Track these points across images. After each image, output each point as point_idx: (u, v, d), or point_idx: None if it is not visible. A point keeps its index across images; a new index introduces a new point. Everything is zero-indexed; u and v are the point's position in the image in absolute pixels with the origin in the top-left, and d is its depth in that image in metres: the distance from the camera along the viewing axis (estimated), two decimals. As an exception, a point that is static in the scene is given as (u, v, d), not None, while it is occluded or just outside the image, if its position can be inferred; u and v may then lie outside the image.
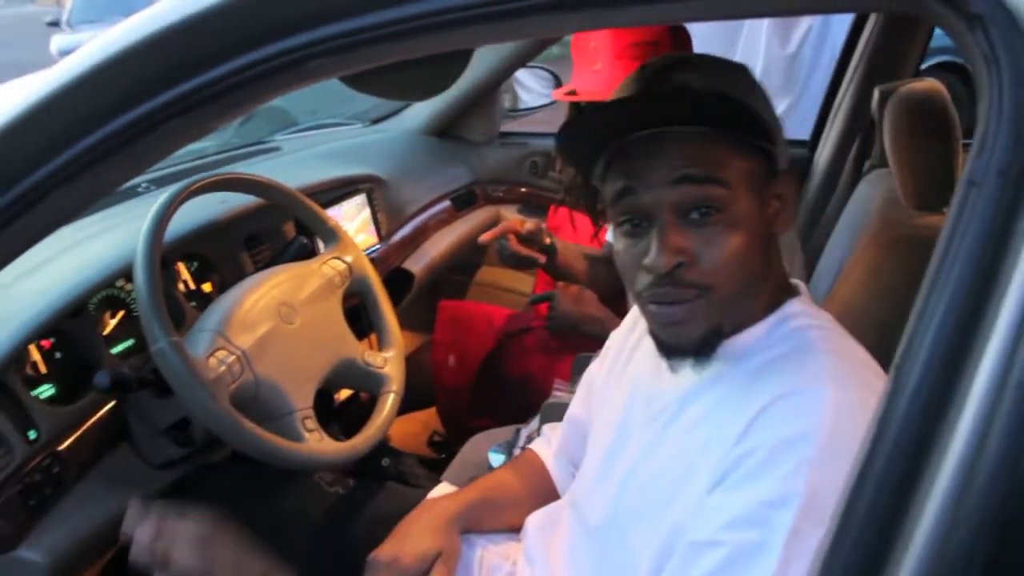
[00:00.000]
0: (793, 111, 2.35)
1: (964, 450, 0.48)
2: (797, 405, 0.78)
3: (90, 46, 0.76)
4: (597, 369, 1.17)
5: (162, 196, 1.19)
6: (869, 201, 1.61)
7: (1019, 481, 0.47)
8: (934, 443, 0.50)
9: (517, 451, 1.49)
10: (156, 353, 1.08)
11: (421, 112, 2.36)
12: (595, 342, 1.44)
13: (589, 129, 0.86)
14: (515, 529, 1.14)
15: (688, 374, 0.89)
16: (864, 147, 1.92)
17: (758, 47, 2.29)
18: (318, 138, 2.31)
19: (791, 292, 0.91)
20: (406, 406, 1.68)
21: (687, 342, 0.85)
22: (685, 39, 1.66)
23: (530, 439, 1.40)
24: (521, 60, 2.22)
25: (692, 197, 0.81)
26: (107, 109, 0.74)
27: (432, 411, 2.12)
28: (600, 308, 1.79)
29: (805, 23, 2.25)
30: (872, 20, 1.96)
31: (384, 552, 1.03)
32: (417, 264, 2.02)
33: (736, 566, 0.76)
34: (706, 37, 2.36)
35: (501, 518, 1.15)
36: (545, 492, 1.19)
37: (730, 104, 0.80)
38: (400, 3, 0.66)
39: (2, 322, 1.15)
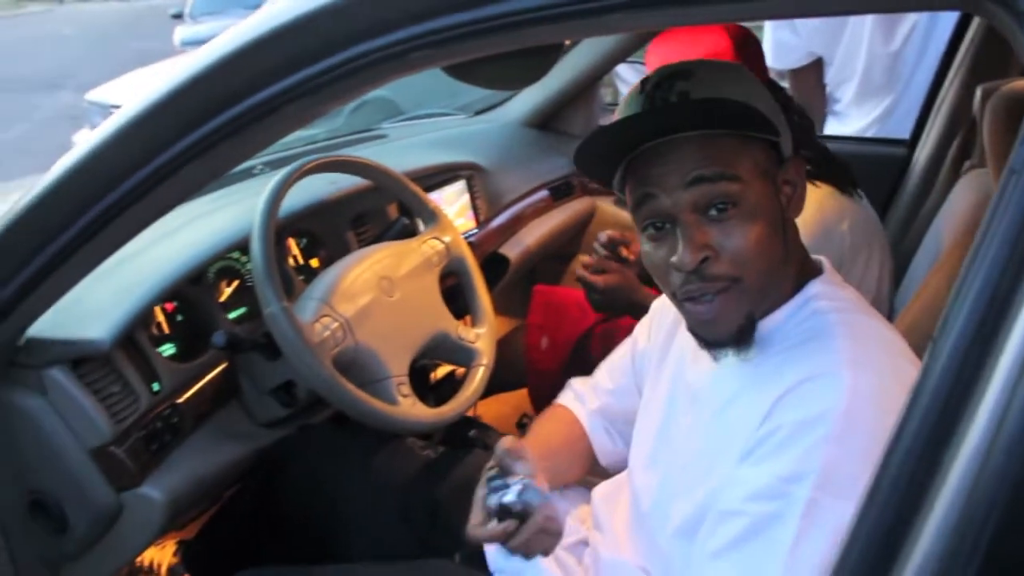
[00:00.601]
0: (894, 109, 2.31)
1: (990, 417, 0.52)
2: (815, 389, 0.83)
3: (222, 38, 0.86)
4: (644, 331, 1.22)
5: (278, 174, 1.30)
6: (965, 201, 1.60)
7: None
8: (964, 410, 0.54)
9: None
10: (268, 316, 1.19)
11: (523, 104, 2.44)
12: None
13: (601, 146, 0.91)
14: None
15: (719, 362, 0.94)
16: (964, 147, 1.90)
17: (861, 44, 2.28)
18: (423, 127, 2.41)
19: (814, 271, 0.95)
20: (497, 387, 1.76)
21: (726, 336, 0.90)
22: (757, 53, 1.59)
23: None
24: (621, 55, 2.26)
25: (708, 195, 0.86)
26: (238, 92, 0.84)
27: (522, 393, 2.19)
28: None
29: (909, 20, 2.22)
30: (977, 18, 1.93)
31: None
32: (513, 250, 2.09)
33: (757, 534, 0.82)
34: (809, 35, 2.36)
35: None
36: (582, 452, 1.25)
37: (730, 106, 0.86)
38: (496, 1, 0.74)
39: (133, 286, 1.27)
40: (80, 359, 1.18)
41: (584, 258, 1.74)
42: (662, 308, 1.18)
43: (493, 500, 0.98)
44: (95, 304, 1.21)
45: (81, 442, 1.17)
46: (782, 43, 2.39)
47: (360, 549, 1.28)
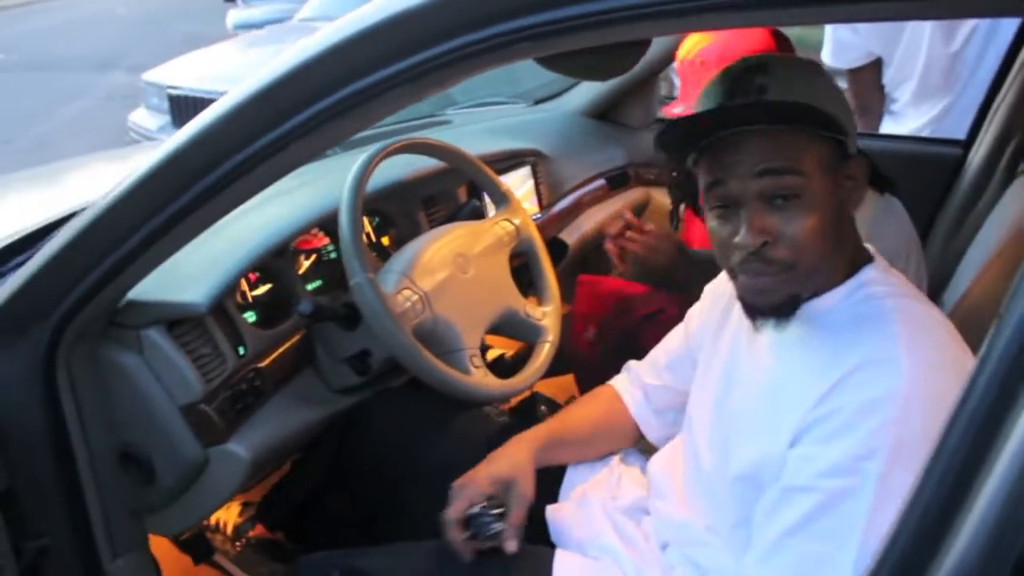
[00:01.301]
0: (951, 110, 2.33)
1: None
2: (875, 374, 0.89)
3: (332, 27, 0.93)
4: (697, 311, 1.30)
5: (363, 155, 1.37)
6: (1019, 203, 1.63)
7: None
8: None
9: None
10: (355, 286, 1.27)
11: (582, 95, 2.49)
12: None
13: (681, 135, 0.99)
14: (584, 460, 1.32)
15: (774, 336, 1.02)
16: (1020, 149, 1.92)
17: (921, 45, 2.29)
18: (485, 114, 2.48)
19: (866, 258, 1.01)
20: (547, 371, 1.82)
21: (769, 306, 0.98)
22: (788, 47, 1.70)
23: None
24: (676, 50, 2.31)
25: (773, 186, 0.94)
26: (347, 76, 0.91)
27: (568, 378, 2.25)
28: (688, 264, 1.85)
29: (970, 22, 2.24)
30: (1040, 23, 1.95)
31: (466, 474, 1.20)
32: (572, 236, 2.16)
33: (831, 509, 0.87)
34: (868, 34, 2.38)
35: (568, 454, 1.31)
36: (623, 430, 1.34)
37: (800, 106, 0.92)
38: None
39: (224, 255, 1.35)
40: (176, 321, 1.26)
41: (610, 230, 1.80)
42: (715, 289, 1.26)
43: (475, 525, 1.14)
44: (190, 271, 1.28)
45: (173, 398, 1.25)
46: (842, 42, 2.42)
47: (429, 509, 1.36)
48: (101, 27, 15.73)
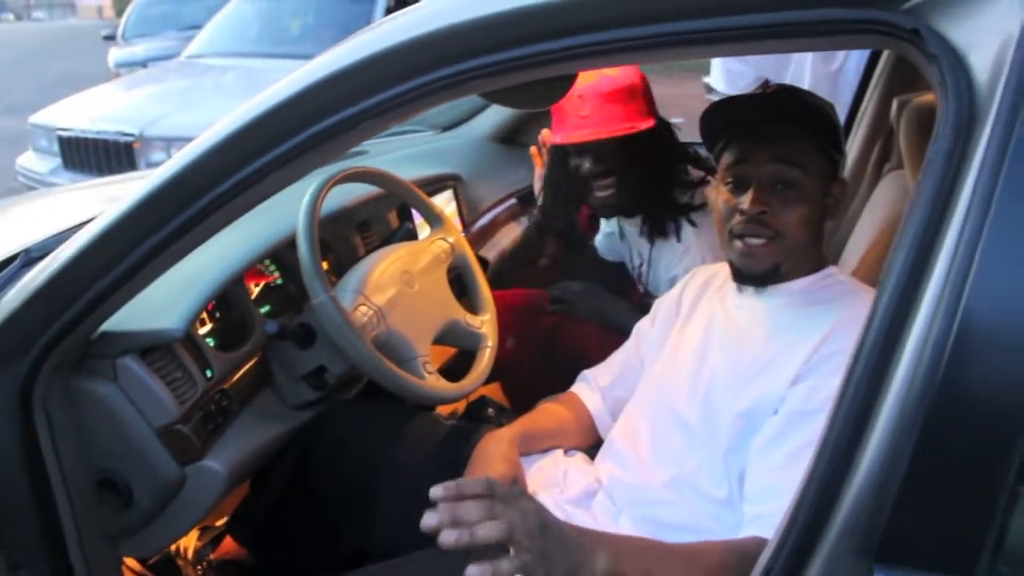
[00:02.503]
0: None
1: (923, 330, 0.74)
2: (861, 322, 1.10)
3: (308, 68, 1.05)
4: (648, 325, 1.51)
5: (312, 185, 1.49)
6: (887, 196, 1.87)
7: (952, 348, 0.73)
8: (905, 328, 0.76)
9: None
10: (318, 305, 1.38)
11: (488, 121, 2.66)
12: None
13: (724, 116, 1.28)
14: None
15: (760, 306, 1.26)
16: (884, 151, 2.16)
17: (805, 66, 2.55)
18: (398, 143, 2.61)
19: (826, 262, 1.29)
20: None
21: (757, 272, 1.24)
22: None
23: None
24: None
25: (780, 174, 1.20)
26: (324, 110, 1.03)
27: (494, 387, 2.39)
28: (614, 302, 2.11)
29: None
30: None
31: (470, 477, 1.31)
32: (491, 252, 2.31)
33: None
34: (758, 62, 2.61)
35: (544, 443, 1.47)
36: (581, 427, 1.51)
37: (822, 116, 1.21)
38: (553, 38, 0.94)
39: (188, 285, 1.42)
40: (148, 348, 1.34)
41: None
42: (670, 298, 1.49)
43: None
44: (157, 301, 1.35)
45: (150, 421, 1.32)
46: (732, 71, 2.66)
47: (388, 510, 1.47)
48: (-34, 70, 15.10)
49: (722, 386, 1.25)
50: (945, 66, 0.78)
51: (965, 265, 0.72)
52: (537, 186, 2.12)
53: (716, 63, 2.64)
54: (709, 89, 7.79)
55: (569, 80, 1.13)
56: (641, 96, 1.84)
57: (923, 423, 0.73)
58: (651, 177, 1.84)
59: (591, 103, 1.80)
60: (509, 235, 2.44)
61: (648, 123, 1.80)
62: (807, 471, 0.81)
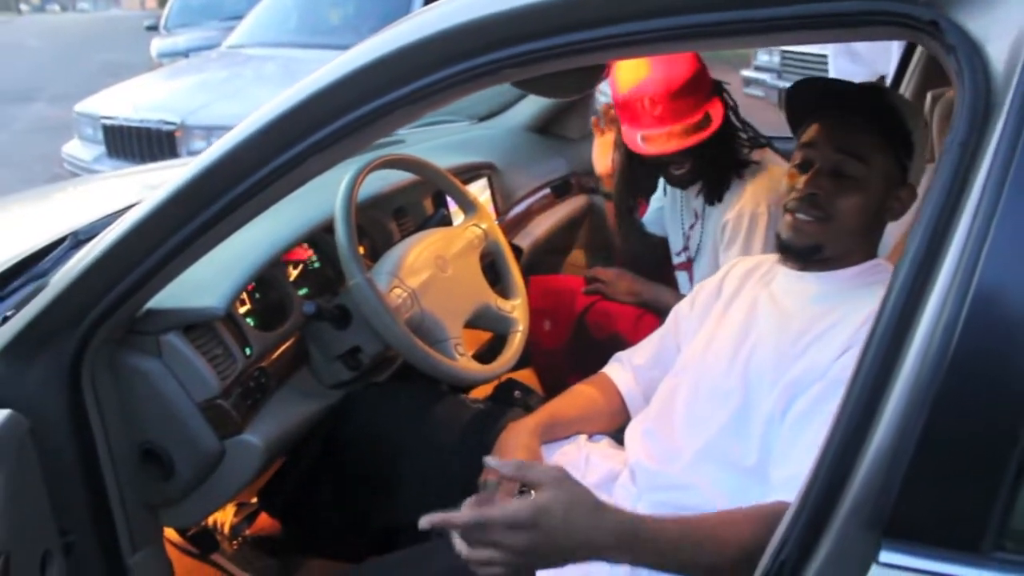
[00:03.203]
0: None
1: (935, 314, 0.76)
2: None
3: (344, 58, 1.09)
4: (687, 309, 1.52)
5: (349, 171, 1.53)
6: (921, 190, 1.87)
7: (961, 331, 0.75)
8: (917, 311, 0.78)
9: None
10: (354, 286, 1.43)
11: (524, 111, 2.69)
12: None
13: (807, 95, 1.35)
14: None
15: (808, 291, 1.30)
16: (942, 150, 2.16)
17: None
18: (435, 132, 2.66)
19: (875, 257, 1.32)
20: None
21: (800, 245, 1.29)
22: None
23: None
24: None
25: (840, 163, 1.26)
26: (358, 100, 1.07)
27: (527, 372, 2.44)
28: (646, 283, 2.19)
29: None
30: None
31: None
32: (524, 240, 2.34)
33: None
34: (873, 58, 2.62)
35: (570, 429, 1.49)
36: (611, 409, 1.53)
37: (898, 119, 1.27)
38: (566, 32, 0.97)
39: (229, 267, 1.48)
40: (191, 325, 1.40)
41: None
42: (709, 284, 1.52)
43: None
44: (200, 281, 1.41)
45: (192, 396, 1.37)
46: (843, 71, 2.67)
47: (413, 488, 1.52)
48: (14, 59, 15.40)
49: (765, 358, 1.28)
50: (962, 57, 0.80)
51: (976, 253, 0.74)
52: (599, 156, 2.21)
53: (831, 63, 2.66)
54: (747, 82, 7.78)
55: (600, 70, 1.17)
56: (703, 81, 1.90)
57: (933, 402, 0.75)
58: (721, 149, 1.94)
59: (662, 102, 1.85)
60: (543, 223, 2.48)
61: (719, 111, 1.90)
62: (822, 447, 0.83)
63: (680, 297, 1.80)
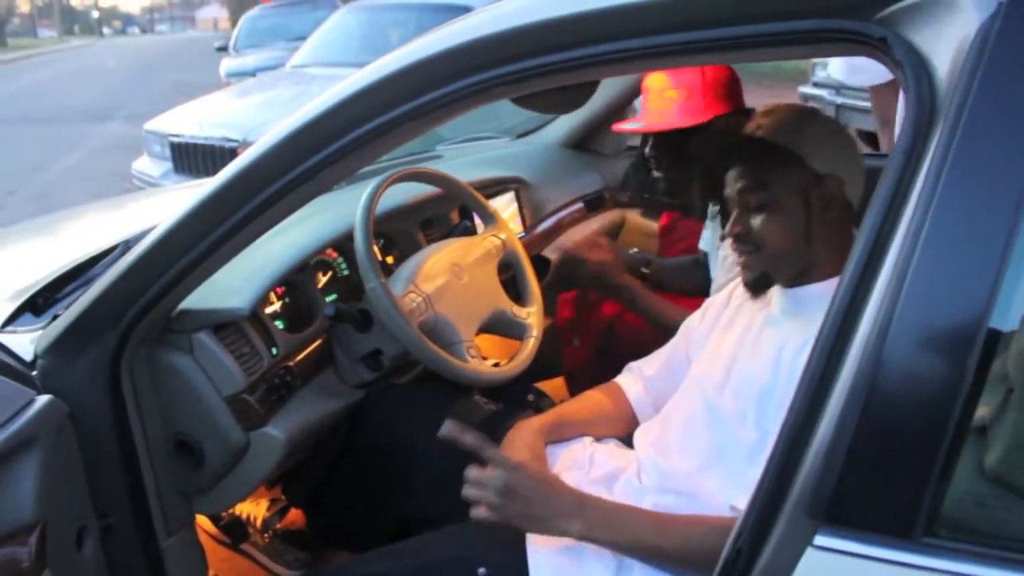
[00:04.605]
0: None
1: (872, 317, 0.81)
2: None
3: (359, 75, 1.17)
4: (697, 321, 1.57)
5: (371, 183, 1.63)
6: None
7: (892, 332, 0.80)
8: (858, 316, 0.83)
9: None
10: (370, 290, 1.52)
11: (560, 128, 2.77)
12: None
13: (700, 151, 1.46)
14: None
15: (780, 317, 1.34)
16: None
17: None
18: (472, 148, 2.75)
19: None
20: (536, 377, 2.07)
21: (750, 279, 1.34)
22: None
23: None
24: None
25: (746, 199, 1.31)
26: (366, 115, 1.16)
27: (558, 381, 2.50)
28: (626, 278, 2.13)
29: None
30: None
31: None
32: (554, 253, 2.40)
33: None
34: None
35: (577, 430, 1.54)
36: (619, 415, 1.58)
37: (770, 149, 1.32)
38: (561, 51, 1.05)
39: (255, 272, 1.59)
40: (221, 325, 1.50)
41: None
42: (717, 300, 1.56)
43: None
44: (229, 285, 1.52)
45: (220, 390, 1.48)
46: (856, 66, 2.65)
47: (426, 482, 1.60)
48: (93, 80, 16.07)
49: (752, 373, 1.32)
50: (909, 70, 0.85)
51: (908, 257, 0.79)
52: None
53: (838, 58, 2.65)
54: (805, 99, 7.73)
55: (591, 86, 1.23)
56: (726, 90, 1.97)
57: (867, 398, 0.80)
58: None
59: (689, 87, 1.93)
60: (574, 236, 2.54)
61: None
62: (774, 442, 0.89)
63: (675, 311, 1.86)
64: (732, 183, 1.35)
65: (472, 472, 1.26)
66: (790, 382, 1.22)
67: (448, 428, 1.29)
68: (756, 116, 1.40)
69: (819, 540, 0.81)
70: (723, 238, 1.36)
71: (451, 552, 1.32)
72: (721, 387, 1.36)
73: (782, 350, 1.29)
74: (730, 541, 0.91)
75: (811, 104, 7.60)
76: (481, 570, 1.28)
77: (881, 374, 0.80)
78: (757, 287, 1.35)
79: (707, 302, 1.61)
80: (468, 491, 1.25)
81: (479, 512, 1.24)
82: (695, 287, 2.18)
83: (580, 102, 1.23)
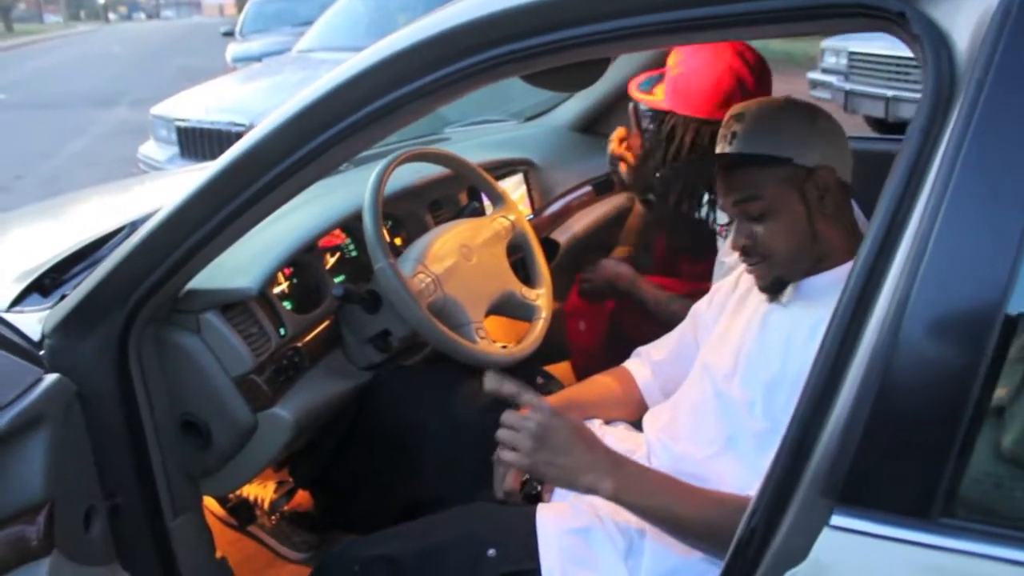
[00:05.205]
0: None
1: (889, 296, 0.80)
2: None
3: (365, 53, 1.17)
4: (705, 306, 1.56)
5: (380, 163, 1.62)
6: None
7: (910, 311, 0.79)
8: (875, 296, 0.82)
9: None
10: (379, 270, 1.51)
11: (568, 111, 2.75)
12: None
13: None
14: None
15: (789, 304, 1.32)
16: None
17: None
18: (481, 131, 2.74)
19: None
20: (545, 360, 2.06)
21: (766, 286, 1.32)
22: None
23: None
24: (650, 68, 2.55)
25: (743, 210, 1.29)
26: (371, 95, 1.14)
27: (565, 365, 2.49)
28: (626, 267, 2.16)
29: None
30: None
31: None
32: (562, 235, 2.40)
33: None
34: None
35: (586, 412, 1.54)
36: (627, 399, 1.58)
37: (744, 155, 1.27)
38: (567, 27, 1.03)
39: (263, 252, 1.58)
40: (228, 305, 1.50)
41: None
42: (723, 287, 1.54)
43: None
44: (237, 265, 1.51)
45: (228, 371, 1.47)
46: None
47: (434, 465, 1.59)
48: (99, 65, 16.05)
49: (759, 362, 1.31)
50: (928, 46, 0.83)
51: (926, 237, 0.78)
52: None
53: None
54: (814, 85, 7.69)
55: (602, 64, 1.22)
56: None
57: (884, 376, 0.79)
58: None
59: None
60: (583, 220, 2.53)
61: None
62: (788, 423, 0.88)
63: (677, 302, 1.85)
64: (724, 195, 1.32)
65: (508, 415, 1.25)
66: (801, 371, 1.19)
67: (490, 380, 1.30)
68: (727, 121, 1.34)
69: (836, 520, 0.80)
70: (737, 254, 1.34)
71: (460, 533, 1.31)
72: (730, 375, 1.35)
73: (791, 337, 1.28)
74: (744, 520, 0.91)
75: (820, 91, 7.58)
76: (491, 551, 1.27)
77: (898, 355, 0.78)
78: (774, 290, 1.33)
79: (715, 287, 1.60)
80: (502, 433, 1.24)
81: (507, 455, 1.23)
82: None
83: (592, 80, 1.22)
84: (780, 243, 1.28)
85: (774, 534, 0.87)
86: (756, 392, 1.29)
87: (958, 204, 0.77)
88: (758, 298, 1.41)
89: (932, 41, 0.83)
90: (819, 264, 1.30)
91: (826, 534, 0.81)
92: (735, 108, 1.35)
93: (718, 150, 1.35)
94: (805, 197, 1.27)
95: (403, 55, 1.12)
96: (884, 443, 0.80)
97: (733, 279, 1.54)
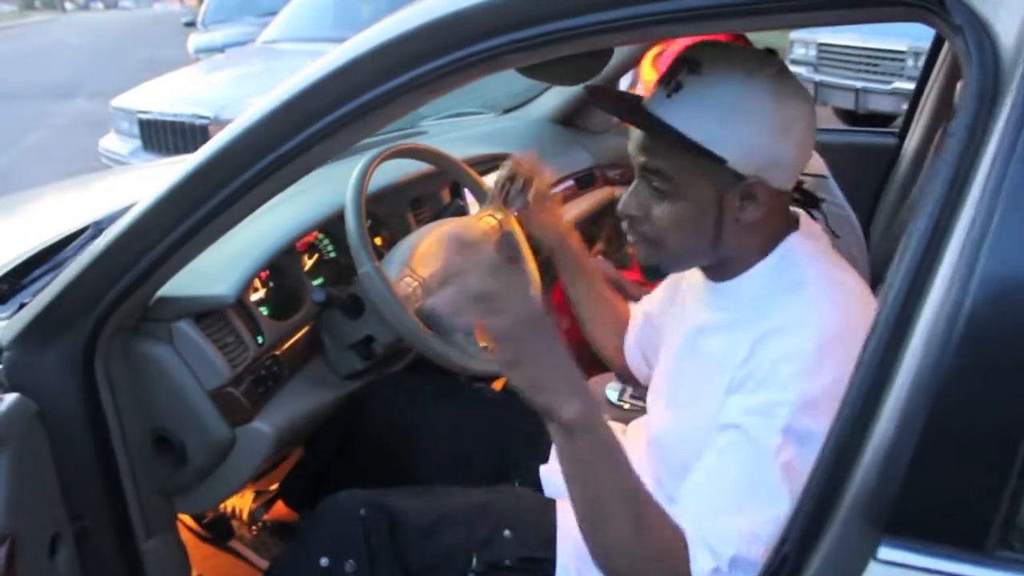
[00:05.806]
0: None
1: (936, 305, 0.74)
2: (790, 335, 1.01)
3: (350, 44, 1.08)
4: (657, 306, 1.43)
5: (361, 161, 1.53)
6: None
7: (964, 323, 0.72)
8: (919, 304, 0.76)
9: (628, 390, 1.82)
10: (363, 274, 1.43)
11: (548, 103, 2.67)
12: None
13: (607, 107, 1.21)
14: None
15: (708, 313, 1.16)
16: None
17: None
18: (457, 124, 2.65)
19: (788, 229, 1.12)
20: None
21: (641, 264, 1.25)
22: None
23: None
24: (632, 61, 2.47)
25: (646, 176, 1.09)
26: (363, 85, 1.06)
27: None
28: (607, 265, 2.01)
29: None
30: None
31: None
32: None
33: (751, 437, 0.99)
34: None
35: (578, 290, 1.53)
36: (620, 329, 1.52)
37: (675, 134, 1.04)
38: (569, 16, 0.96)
39: (239, 255, 1.49)
40: (202, 313, 1.41)
41: None
42: (678, 280, 1.36)
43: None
44: (211, 270, 1.42)
45: (203, 383, 1.38)
46: None
47: (427, 477, 1.51)
48: (55, 56, 15.70)
49: (673, 410, 1.20)
50: (970, 36, 0.77)
51: (979, 241, 0.72)
52: None
53: None
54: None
55: (605, 55, 1.14)
56: None
57: (936, 395, 0.73)
58: None
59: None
60: (566, 215, 2.45)
61: None
62: (822, 444, 0.81)
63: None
64: (633, 146, 1.09)
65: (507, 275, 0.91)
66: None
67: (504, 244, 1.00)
68: (677, 63, 1.07)
69: (883, 553, 0.74)
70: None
71: (476, 504, 1.28)
72: (654, 415, 1.26)
73: (712, 355, 1.11)
74: (774, 547, 0.84)
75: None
76: (507, 532, 1.24)
77: (950, 372, 0.72)
78: (649, 274, 1.23)
79: (665, 283, 1.44)
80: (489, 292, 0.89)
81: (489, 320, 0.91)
82: None
83: (595, 72, 1.14)
84: (672, 234, 1.08)
85: (808, 561, 0.81)
86: (667, 471, 1.17)
87: (1015, 206, 0.71)
88: (684, 322, 1.23)
89: (974, 32, 0.77)
90: (725, 267, 1.13)
91: (873, 569, 0.74)
92: (695, 49, 1.08)
93: (651, 91, 1.10)
94: (722, 202, 1.06)
95: (400, 41, 1.04)
96: (935, 467, 0.74)
97: (674, 287, 1.37)
